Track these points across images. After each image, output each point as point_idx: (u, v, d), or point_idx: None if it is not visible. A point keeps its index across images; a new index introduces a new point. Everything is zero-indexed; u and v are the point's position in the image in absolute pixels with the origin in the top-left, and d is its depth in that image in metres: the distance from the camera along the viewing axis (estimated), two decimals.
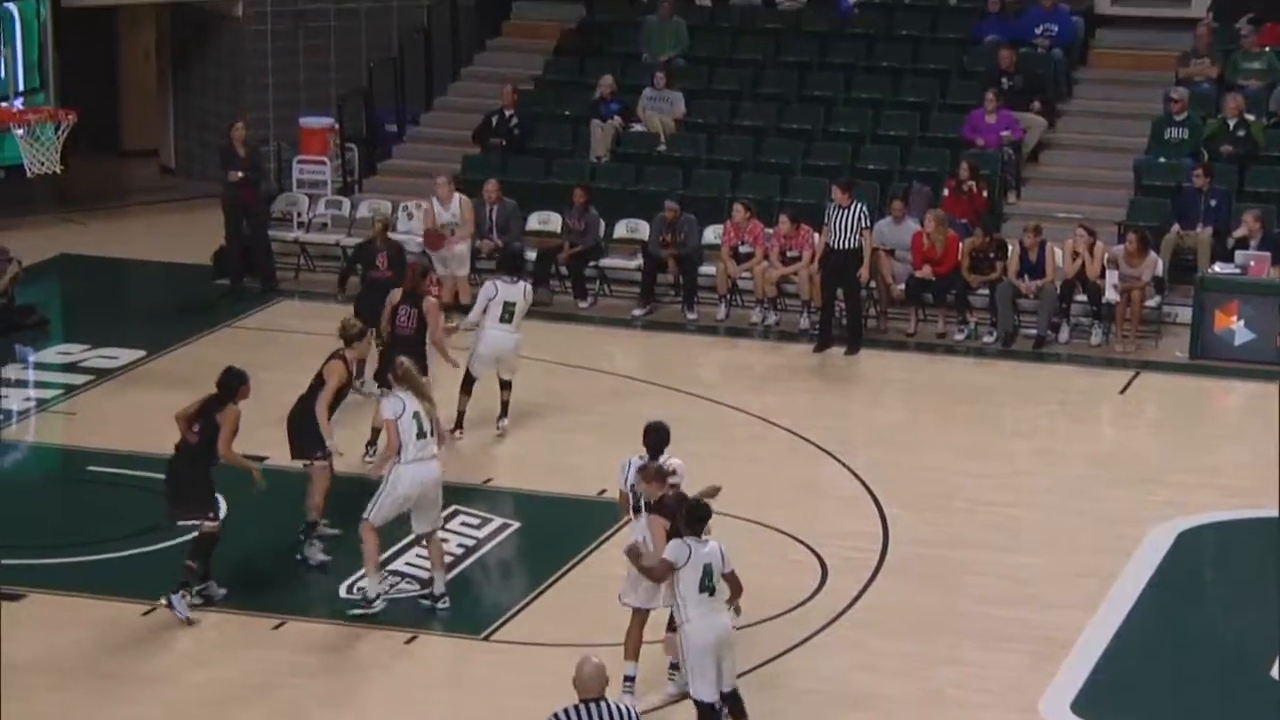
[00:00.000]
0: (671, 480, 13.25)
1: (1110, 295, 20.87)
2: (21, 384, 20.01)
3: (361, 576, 14.88)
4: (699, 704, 12.40)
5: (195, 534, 14.70)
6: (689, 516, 12.51)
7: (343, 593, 15.04)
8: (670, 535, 12.71)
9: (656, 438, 13.60)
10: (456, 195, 21.87)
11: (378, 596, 14.65)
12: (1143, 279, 20.94)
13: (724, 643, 12.38)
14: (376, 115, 25.61)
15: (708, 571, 12.32)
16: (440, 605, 14.74)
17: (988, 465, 17.96)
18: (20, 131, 17.41)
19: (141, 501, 16.25)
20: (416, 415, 14.48)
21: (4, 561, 15.30)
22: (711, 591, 12.35)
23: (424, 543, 15.01)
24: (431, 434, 14.56)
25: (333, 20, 26.60)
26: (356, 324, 15.82)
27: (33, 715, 13.08)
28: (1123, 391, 20.09)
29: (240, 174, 22.53)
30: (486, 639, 14.44)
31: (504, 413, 18.20)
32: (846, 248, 20.65)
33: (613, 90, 24.41)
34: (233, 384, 14.60)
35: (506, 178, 23.22)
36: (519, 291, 18.03)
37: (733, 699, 12.56)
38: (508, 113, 24.34)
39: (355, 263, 19.92)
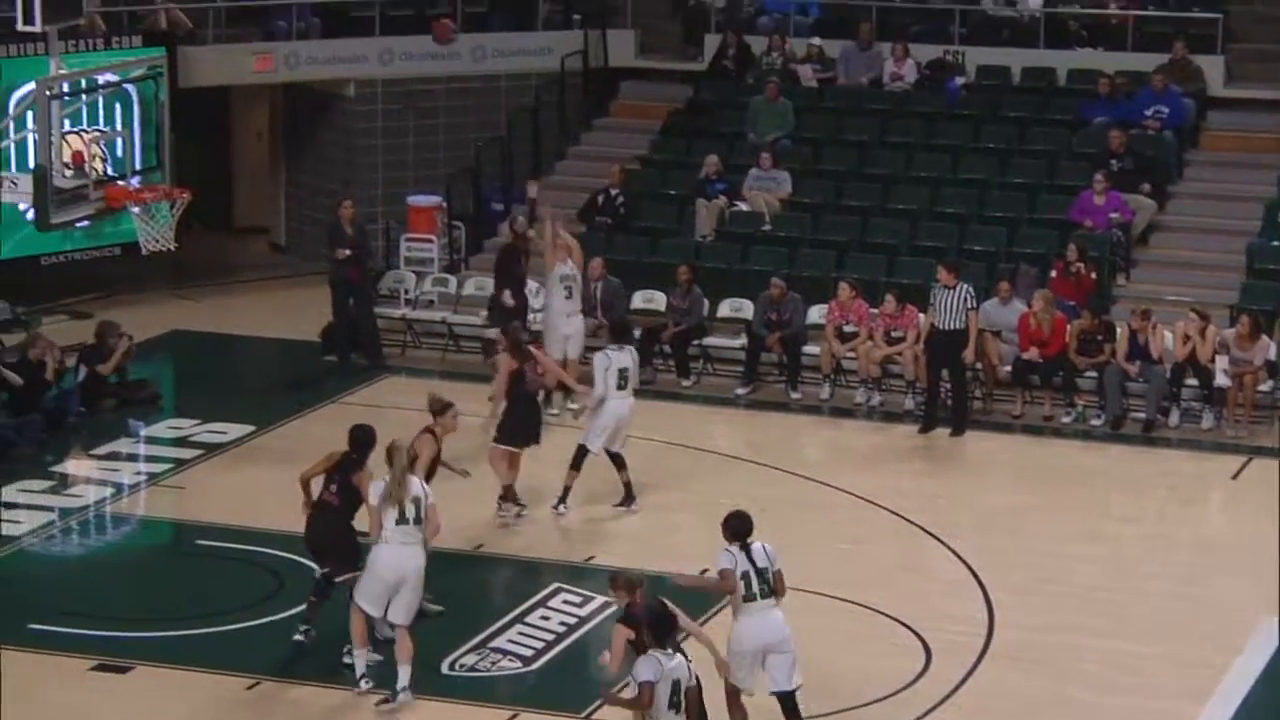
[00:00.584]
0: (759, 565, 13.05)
1: (1222, 380, 20.65)
2: (133, 458, 20.23)
3: (466, 652, 14.92)
4: None
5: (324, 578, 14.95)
6: (655, 630, 12.18)
7: (445, 669, 15.05)
8: (637, 647, 12.38)
9: (739, 525, 13.34)
10: (570, 251, 21.24)
11: (362, 677, 14.45)
12: (1255, 363, 20.72)
13: None
14: (484, 194, 25.82)
15: (676, 688, 12.04)
16: (400, 699, 14.26)
17: (1095, 550, 17.77)
18: (137, 210, 17.66)
19: (249, 575, 16.35)
20: (412, 500, 14.19)
21: (112, 634, 15.43)
22: (678, 709, 12.05)
23: (392, 630, 14.49)
24: (417, 521, 14.21)
25: (442, 100, 26.86)
26: (442, 398, 15.92)
27: None
28: (1234, 477, 19.84)
29: (347, 252, 22.76)
30: (587, 718, 14.40)
31: (630, 495, 18.18)
32: (952, 328, 20.57)
33: (718, 170, 24.50)
34: (365, 442, 14.87)
35: (612, 256, 23.30)
36: (629, 357, 18.10)
37: None
38: (614, 191, 24.47)
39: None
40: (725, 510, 13.23)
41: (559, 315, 20.88)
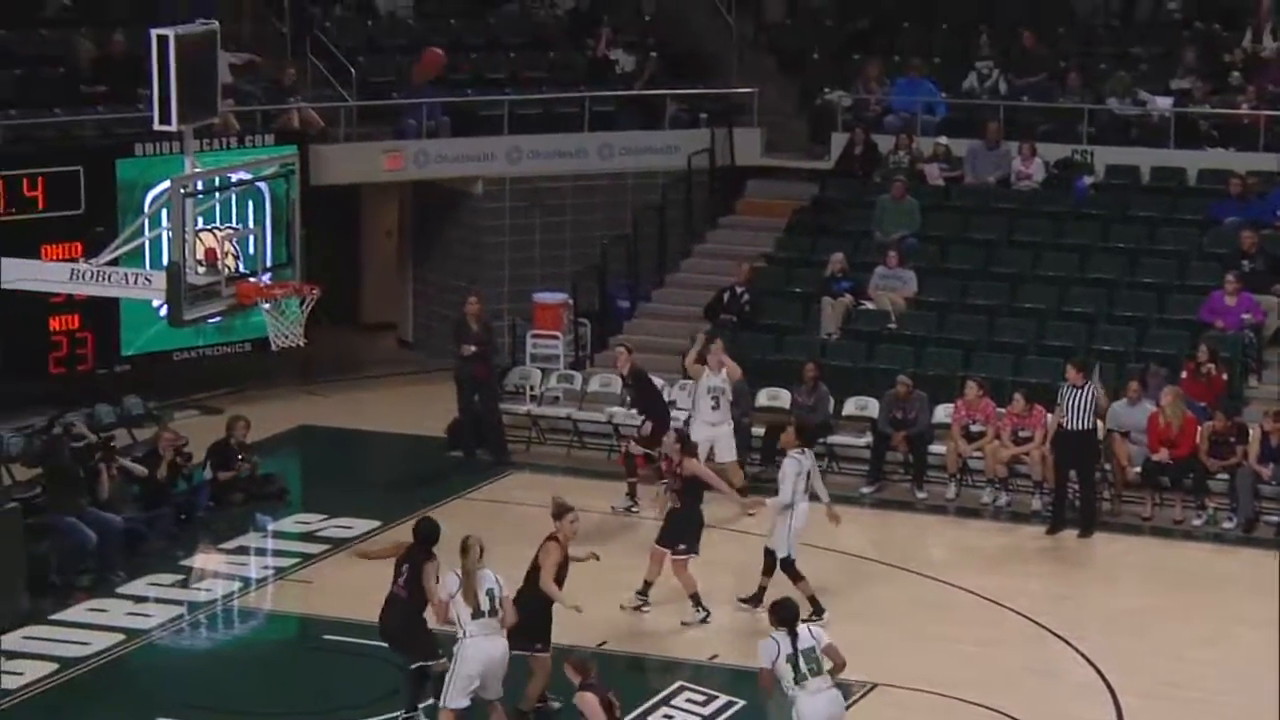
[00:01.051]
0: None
1: None
2: (261, 552, 20.40)
3: None
4: None
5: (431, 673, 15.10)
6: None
7: None
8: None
9: (785, 613, 13.66)
10: (725, 365, 21.30)
11: None
12: None
13: None
14: (609, 291, 25.93)
15: None
16: None
17: (1225, 655, 17.48)
18: (267, 306, 17.85)
19: (374, 671, 16.39)
20: (490, 592, 14.64)
21: None
22: None
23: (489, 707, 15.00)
24: (493, 613, 14.61)
25: (569, 198, 27.06)
26: (563, 502, 15.95)
27: None
28: None
29: (473, 348, 22.92)
30: None
31: (817, 609, 17.67)
32: (1080, 429, 20.39)
33: (844, 267, 24.49)
34: (431, 535, 15.23)
35: (737, 354, 23.30)
36: (812, 460, 18.23)
37: None
38: (739, 289, 24.51)
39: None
40: (852, 611, 13.11)
41: (703, 424, 20.98)
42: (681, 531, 17.91)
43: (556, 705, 15.63)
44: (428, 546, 15.16)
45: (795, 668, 13.35)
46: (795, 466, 17.83)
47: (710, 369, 21.11)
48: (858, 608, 18.36)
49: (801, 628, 13.29)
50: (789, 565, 17.80)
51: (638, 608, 17.98)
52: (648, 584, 18.04)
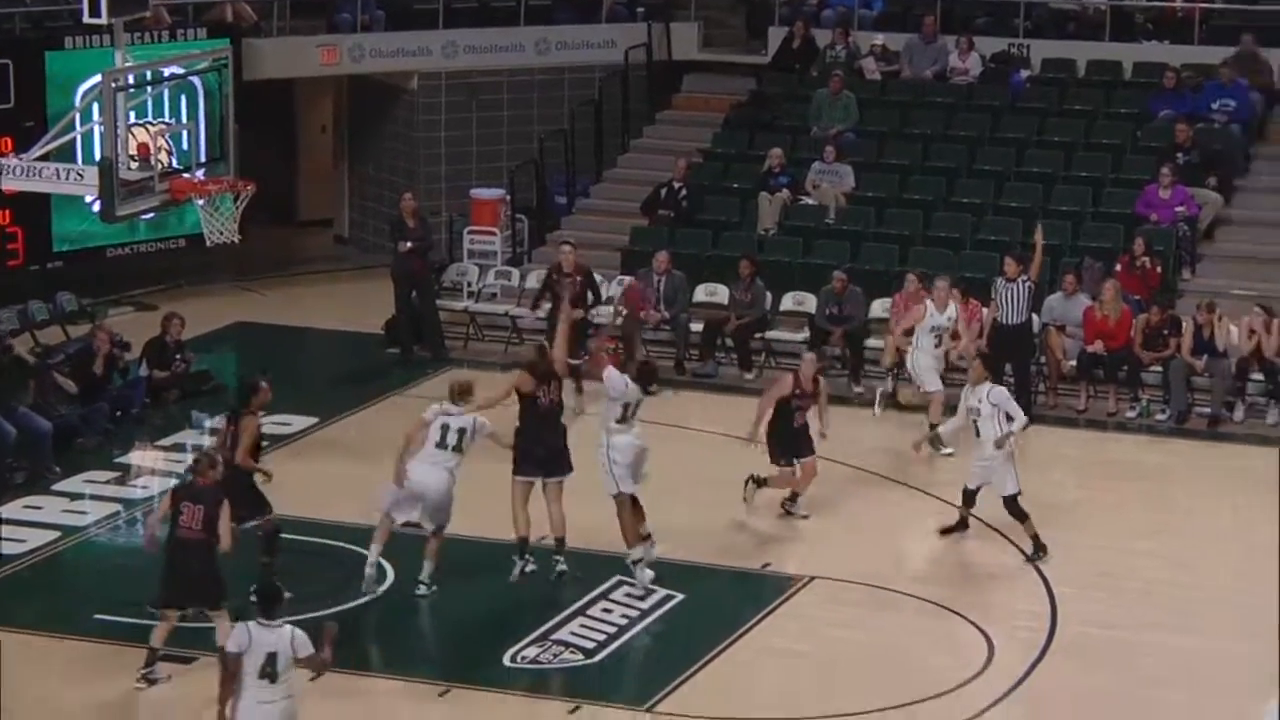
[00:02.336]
0: None
1: None
2: (197, 449, 20.28)
3: (528, 644, 15.02)
4: None
5: (261, 534, 15.49)
6: (261, 599, 12.39)
7: (507, 662, 15.08)
8: None
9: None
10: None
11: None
12: None
13: None
14: (547, 187, 25.84)
15: (271, 659, 12.08)
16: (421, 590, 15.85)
17: (1160, 545, 17.67)
18: (201, 202, 17.73)
19: (312, 566, 16.40)
20: (445, 427, 15.65)
21: (178, 625, 15.49)
22: (273, 679, 12.09)
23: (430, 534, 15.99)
24: (454, 449, 15.65)
25: (505, 93, 26.90)
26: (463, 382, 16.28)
27: None
28: None
29: (410, 244, 22.82)
30: (649, 710, 14.41)
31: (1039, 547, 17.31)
32: (1016, 322, 20.48)
33: (782, 163, 24.45)
34: (247, 391, 15.81)
35: (674, 249, 23.29)
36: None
37: None
38: (677, 185, 24.45)
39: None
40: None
41: (925, 354, 20.31)
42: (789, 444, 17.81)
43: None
44: (243, 405, 15.93)
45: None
46: (1005, 391, 17.49)
47: (935, 307, 20.09)
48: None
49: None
50: (1015, 502, 17.07)
51: (800, 515, 17.98)
52: (794, 495, 18.06)
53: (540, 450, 16.12)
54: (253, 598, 12.96)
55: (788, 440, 17.80)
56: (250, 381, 16.25)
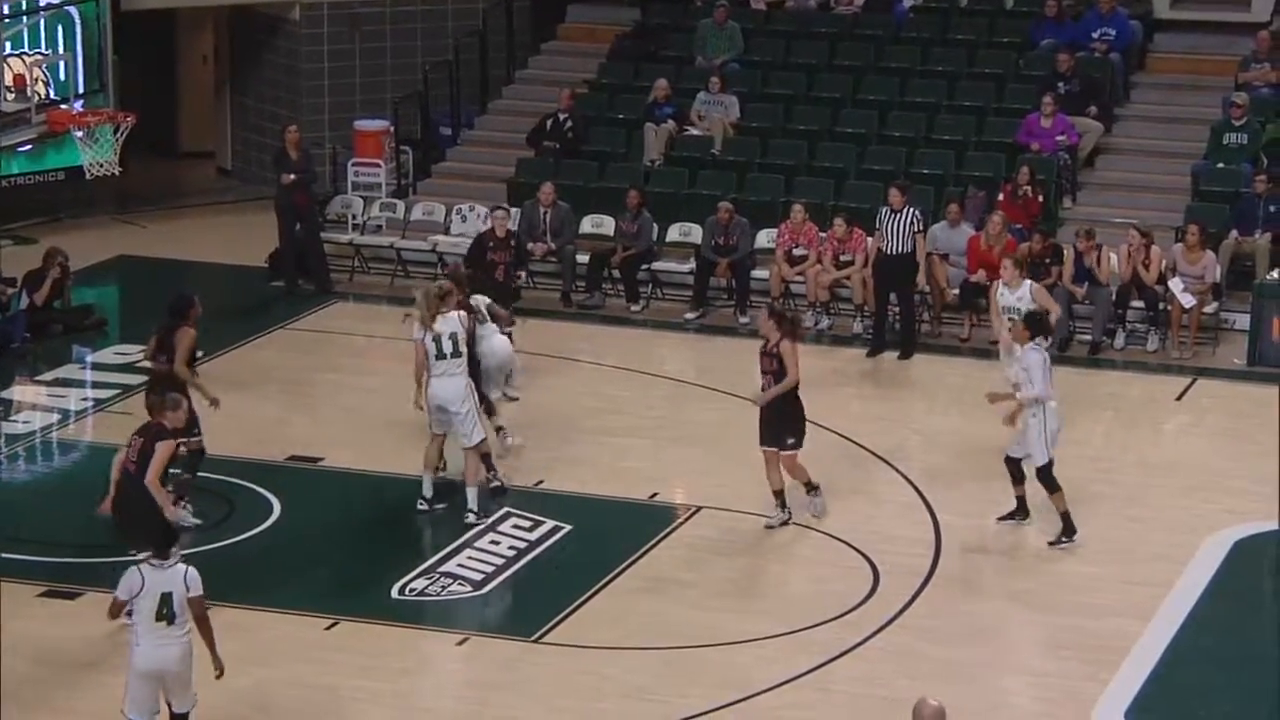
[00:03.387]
0: None
1: (1186, 300, 20.60)
2: (80, 384, 20.14)
3: (416, 576, 15.05)
4: None
5: (185, 451, 15.30)
6: (158, 539, 12.17)
7: (395, 594, 15.08)
8: None
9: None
10: (1027, 283, 18.05)
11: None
12: (1205, 280, 20.83)
13: (169, 673, 12.00)
14: (431, 118, 25.67)
15: (165, 600, 11.93)
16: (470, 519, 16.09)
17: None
18: (80, 134, 17.54)
19: (197, 501, 16.30)
20: (437, 338, 15.89)
21: (60, 560, 15.41)
22: (170, 620, 11.93)
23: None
24: (453, 354, 15.96)
25: (388, 23, 26.66)
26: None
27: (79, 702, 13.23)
28: (1179, 399, 19.97)
29: (293, 176, 22.64)
30: (537, 641, 14.47)
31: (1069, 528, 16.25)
32: (899, 252, 20.62)
33: (667, 93, 24.41)
34: (183, 306, 15.80)
35: (560, 181, 23.24)
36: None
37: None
38: (562, 116, 24.37)
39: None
40: (675, 436, 13.12)
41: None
42: (784, 424, 16.09)
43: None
44: (180, 319, 15.93)
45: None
46: (1040, 358, 15.94)
47: (1007, 283, 17.97)
48: (682, 432, 18.54)
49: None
50: (1047, 473, 16.07)
51: (784, 523, 16.32)
52: (777, 493, 16.32)
53: None
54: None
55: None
56: (186, 295, 16.23)
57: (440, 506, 16.43)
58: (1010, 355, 17.31)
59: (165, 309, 16.14)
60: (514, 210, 22.32)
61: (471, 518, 16.13)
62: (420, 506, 16.43)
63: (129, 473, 14.29)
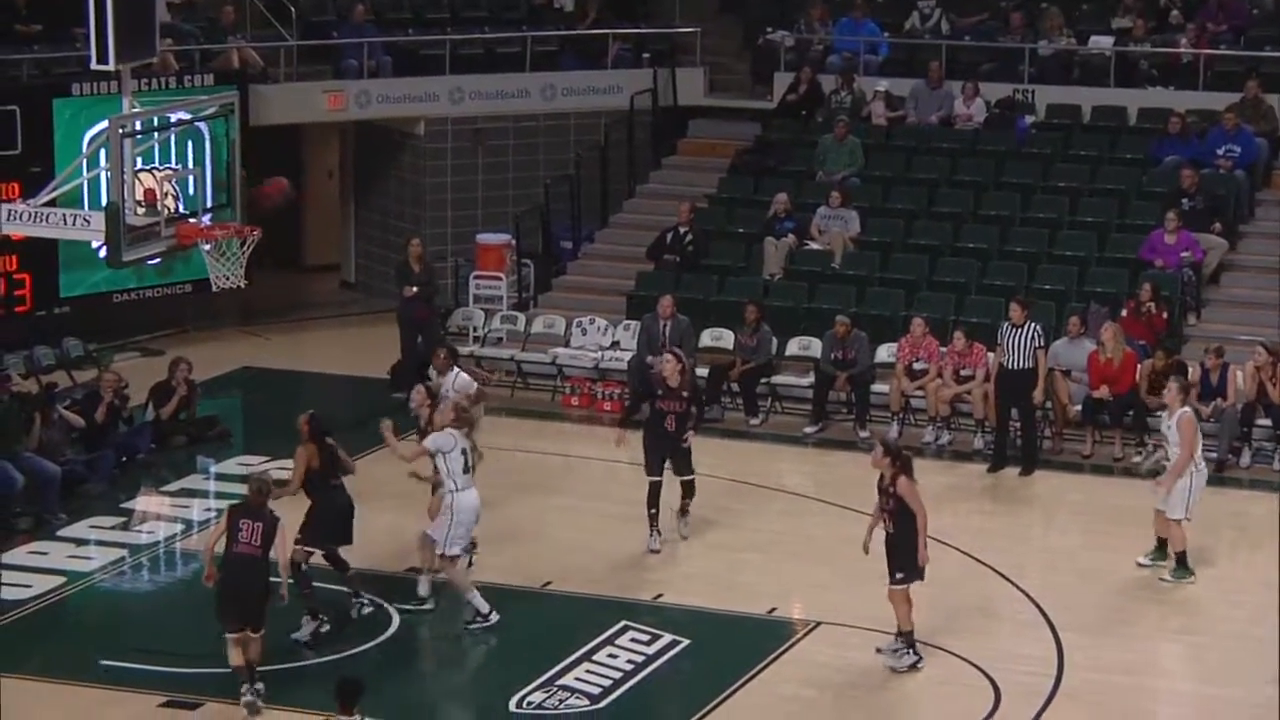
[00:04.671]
0: None
1: None
2: (203, 494, 20.33)
3: (534, 689, 15.03)
4: None
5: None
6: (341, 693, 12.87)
7: (513, 708, 15.04)
8: None
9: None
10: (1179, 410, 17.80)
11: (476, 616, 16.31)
12: None
13: None
14: (553, 232, 25.88)
15: None
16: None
17: (1165, 592, 17.61)
18: (208, 247, 17.75)
19: (323, 612, 16.35)
20: (465, 452, 16.22)
21: (182, 670, 15.50)
22: None
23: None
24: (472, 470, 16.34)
25: (511, 139, 26.96)
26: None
27: None
28: None
29: (415, 289, 22.87)
30: None
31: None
32: (1021, 367, 20.48)
33: (787, 208, 24.48)
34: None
35: (680, 295, 23.31)
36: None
37: None
38: (682, 229, 24.49)
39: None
40: (794, 551, 13.04)
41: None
42: (895, 556, 15.72)
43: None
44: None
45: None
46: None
47: (1172, 406, 17.86)
48: (800, 547, 18.44)
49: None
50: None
51: (914, 665, 15.79)
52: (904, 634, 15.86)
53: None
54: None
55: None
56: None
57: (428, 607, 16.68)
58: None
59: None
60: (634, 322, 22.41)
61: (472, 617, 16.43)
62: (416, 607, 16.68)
63: (244, 555, 14.86)
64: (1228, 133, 24.44)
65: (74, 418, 20.28)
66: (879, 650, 15.86)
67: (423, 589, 16.70)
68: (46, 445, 19.44)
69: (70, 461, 19.63)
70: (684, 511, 18.40)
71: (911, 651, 15.76)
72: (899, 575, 15.65)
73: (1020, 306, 20.59)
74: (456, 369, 18.31)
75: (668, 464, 18.18)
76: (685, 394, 18.37)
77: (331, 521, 16.43)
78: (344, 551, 16.55)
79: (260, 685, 14.85)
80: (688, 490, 18.36)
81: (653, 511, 18.09)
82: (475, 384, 18.27)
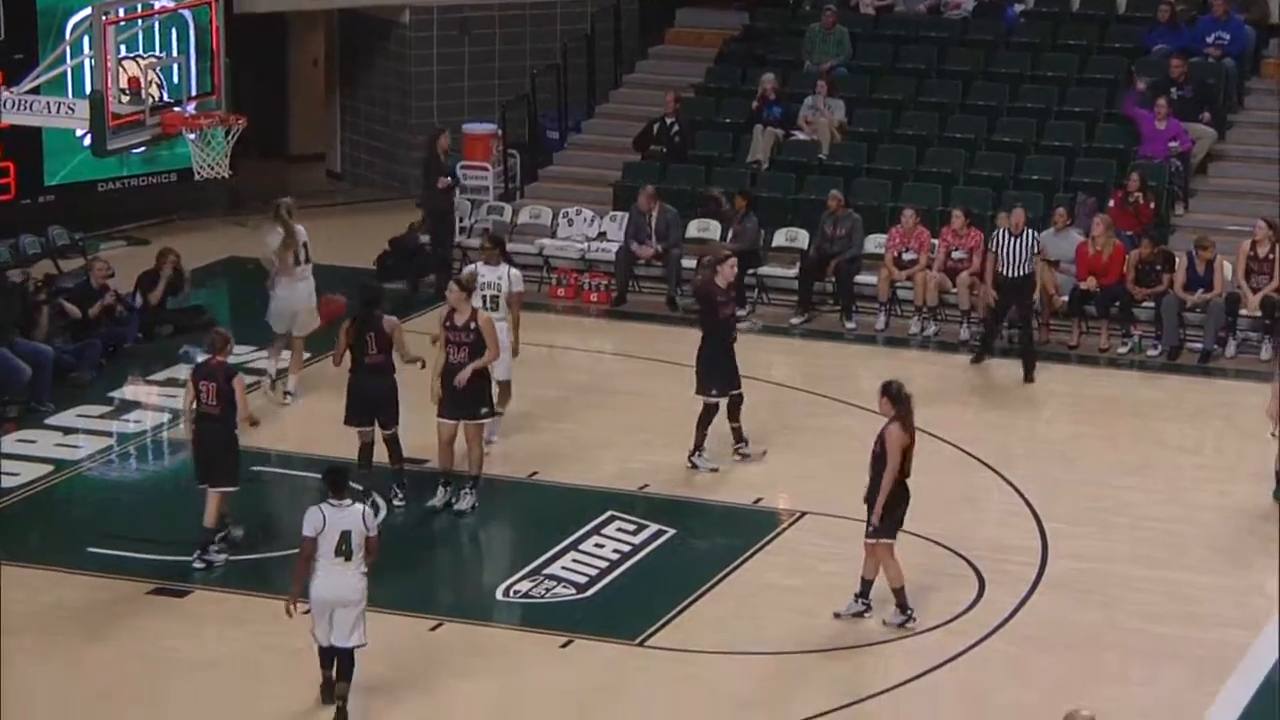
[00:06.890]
0: None
1: None
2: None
3: (521, 578, 15.11)
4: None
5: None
6: (326, 479, 13.01)
7: (499, 595, 15.14)
8: None
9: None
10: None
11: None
12: None
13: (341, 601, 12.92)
14: (539, 122, 25.76)
15: (345, 537, 12.82)
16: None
17: (1152, 481, 17.72)
18: (191, 136, 17.68)
19: (304, 501, 16.41)
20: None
21: (170, 558, 15.57)
22: (348, 556, 12.86)
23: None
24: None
25: (497, 27, 26.79)
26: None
27: (190, 700, 13.36)
28: None
29: (449, 180, 22.81)
30: (641, 644, 14.47)
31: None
32: (1019, 275, 20.26)
33: (774, 88, 24.29)
34: (375, 295, 16.66)
35: (666, 185, 23.24)
36: None
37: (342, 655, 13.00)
38: (669, 120, 24.37)
39: None
40: (781, 441, 13.12)
41: None
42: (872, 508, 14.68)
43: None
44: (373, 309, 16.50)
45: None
46: None
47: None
48: (787, 438, 18.50)
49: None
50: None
51: (859, 614, 14.83)
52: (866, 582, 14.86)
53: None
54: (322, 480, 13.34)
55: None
56: (374, 285, 17.40)
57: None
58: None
59: (360, 300, 16.75)
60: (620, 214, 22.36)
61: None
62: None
63: (207, 414, 15.19)
64: (1217, 21, 24.31)
65: (72, 308, 20.26)
66: (837, 615, 14.74)
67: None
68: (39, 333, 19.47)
69: (59, 350, 19.62)
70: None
71: (899, 611, 14.66)
72: (871, 527, 14.55)
73: (1023, 213, 20.29)
74: (505, 263, 17.86)
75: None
76: (733, 293, 18.10)
77: (352, 403, 16.52)
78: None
79: (221, 553, 15.34)
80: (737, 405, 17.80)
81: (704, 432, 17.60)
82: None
